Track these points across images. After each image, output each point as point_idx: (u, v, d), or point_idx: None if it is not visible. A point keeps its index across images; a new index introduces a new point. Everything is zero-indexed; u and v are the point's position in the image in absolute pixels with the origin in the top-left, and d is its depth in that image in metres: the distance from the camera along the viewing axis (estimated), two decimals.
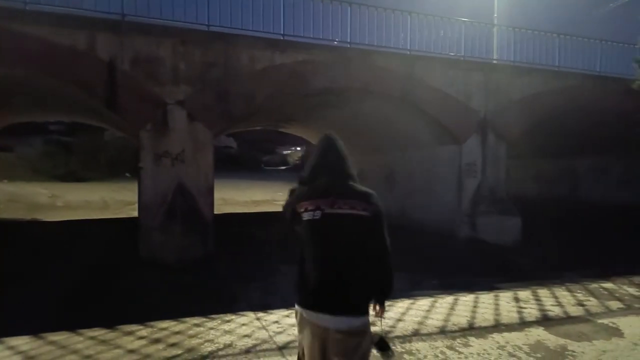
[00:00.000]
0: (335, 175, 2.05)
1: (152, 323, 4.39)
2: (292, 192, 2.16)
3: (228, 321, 4.51)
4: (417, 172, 11.04)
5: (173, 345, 3.88)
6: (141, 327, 4.31)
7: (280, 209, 2.22)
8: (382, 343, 2.08)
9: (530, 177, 15.90)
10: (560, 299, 5.44)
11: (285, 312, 4.69)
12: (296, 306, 2.04)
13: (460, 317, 4.68)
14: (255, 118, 11.75)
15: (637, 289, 5.92)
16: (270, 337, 4.07)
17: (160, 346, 3.85)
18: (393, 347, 3.78)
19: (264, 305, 5.03)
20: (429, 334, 4.18)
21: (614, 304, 5.23)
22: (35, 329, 4.15)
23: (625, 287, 6.03)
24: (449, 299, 5.38)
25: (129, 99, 7.16)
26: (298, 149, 52.94)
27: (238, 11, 7.98)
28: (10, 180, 22.49)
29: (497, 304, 5.19)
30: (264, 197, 20.36)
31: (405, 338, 4.05)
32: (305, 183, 2.10)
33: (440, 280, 6.30)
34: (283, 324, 4.39)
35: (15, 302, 5.12)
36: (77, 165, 29.17)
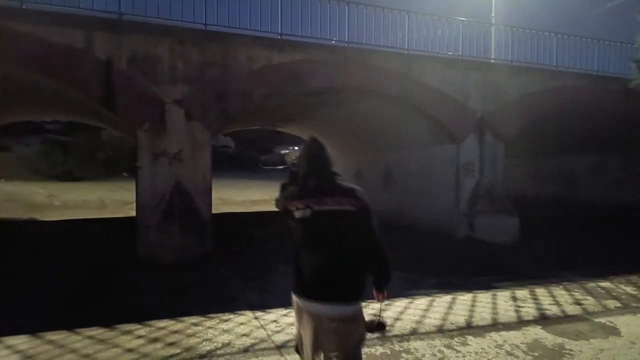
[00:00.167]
0: (321, 175, 2.19)
1: (150, 322, 4.38)
2: (283, 187, 2.30)
3: (226, 320, 4.50)
4: (414, 172, 11.05)
5: (171, 344, 3.87)
6: (139, 326, 4.30)
7: (277, 209, 2.32)
8: (381, 326, 2.22)
9: (529, 176, 15.92)
10: (557, 298, 5.45)
11: (283, 311, 4.69)
12: (293, 295, 2.19)
13: (458, 316, 4.68)
14: (253, 117, 11.75)
15: (634, 288, 5.94)
16: (269, 336, 4.06)
17: (159, 345, 3.85)
18: (392, 347, 3.81)
19: (262, 304, 5.03)
20: (427, 333, 4.18)
21: (612, 303, 5.24)
22: (33, 328, 4.13)
23: (622, 286, 6.05)
24: (447, 298, 5.39)
25: (126, 98, 7.14)
26: (296, 148, 52.92)
27: (235, 10, 8.01)
28: (8, 180, 22.42)
29: (495, 303, 5.20)
30: (262, 196, 20.33)
31: (403, 337, 4.05)
32: (294, 183, 2.25)
33: (438, 279, 6.31)
34: (281, 323, 4.39)
35: (13, 302, 5.10)
36: (75, 165, 29.14)
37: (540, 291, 5.75)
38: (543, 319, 4.64)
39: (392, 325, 4.32)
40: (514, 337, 4.12)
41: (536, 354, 3.73)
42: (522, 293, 5.65)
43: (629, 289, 5.89)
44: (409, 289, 5.67)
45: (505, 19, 14.85)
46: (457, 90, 9.44)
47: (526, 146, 13.55)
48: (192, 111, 7.46)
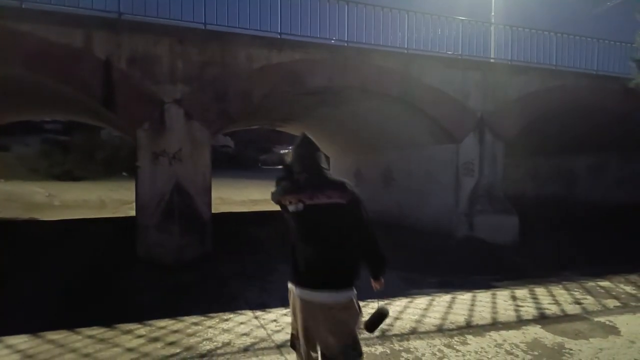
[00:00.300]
0: (311, 170, 2.29)
1: (150, 322, 4.39)
2: (278, 181, 2.39)
3: (226, 320, 4.51)
4: (414, 171, 11.05)
5: (171, 343, 3.88)
6: (139, 325, 4.30)
7: (278, 208, 2.38)
8: (381, 313, 2.31)
9: (528, 176, 15.91)
10: (557, 297, 5.46)
11: (283, 310, 4.69)
12: (289, 284, 2.33)
13: (458, 316, 4.69)
14: (253, 117, 11.74)
15: (633, 287, 5.95)
16: (269, 335, 4.07)
17: (159, 345, 3.85)
18: (392, 346, 3.81)
19: (262, 304, 5.04)
20: (427, 332, 4.19)
21: (611, 302, 5.25)
22: (33, 328, 4.14)
23: (622, 285, 6.06)
24: (447, 297, 5.39)
25: (126, 97, 7.14)
26: None
27: (235, 10, 8.01)
28: (7, 180, 22.41)
29: (494, 303, 5.20)
30: (262, 196, 20.30)
31: (403, 336, 4.05)
32: (287, 178, 2.34)
33: (438, 279, 6.32)
34: (281, 322, 4.39)
35: (13, 301, 5.11)
36: (74, 165, 29.12)
37: (540, 290, 5.76)
38: (543, 319, 4.65)
39: (391, 325, 4.32)
40: (513, 336, 4.12)
41: (536, 353, 3.73)
42: (521, 292, 5.65)
43: (629, 288, 5.90)
44: (408, 289, 5.67)
45: (505, 19, 14.86)
46: (457, 90, 9.43)
47: (526, 146, 13.53)
48: (191, 111, 7.45)
